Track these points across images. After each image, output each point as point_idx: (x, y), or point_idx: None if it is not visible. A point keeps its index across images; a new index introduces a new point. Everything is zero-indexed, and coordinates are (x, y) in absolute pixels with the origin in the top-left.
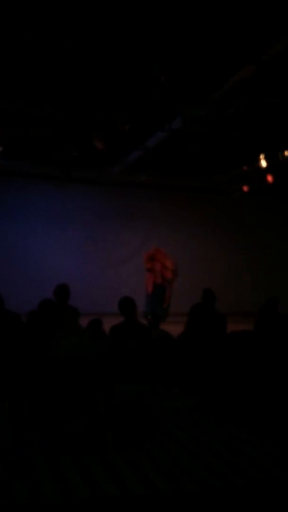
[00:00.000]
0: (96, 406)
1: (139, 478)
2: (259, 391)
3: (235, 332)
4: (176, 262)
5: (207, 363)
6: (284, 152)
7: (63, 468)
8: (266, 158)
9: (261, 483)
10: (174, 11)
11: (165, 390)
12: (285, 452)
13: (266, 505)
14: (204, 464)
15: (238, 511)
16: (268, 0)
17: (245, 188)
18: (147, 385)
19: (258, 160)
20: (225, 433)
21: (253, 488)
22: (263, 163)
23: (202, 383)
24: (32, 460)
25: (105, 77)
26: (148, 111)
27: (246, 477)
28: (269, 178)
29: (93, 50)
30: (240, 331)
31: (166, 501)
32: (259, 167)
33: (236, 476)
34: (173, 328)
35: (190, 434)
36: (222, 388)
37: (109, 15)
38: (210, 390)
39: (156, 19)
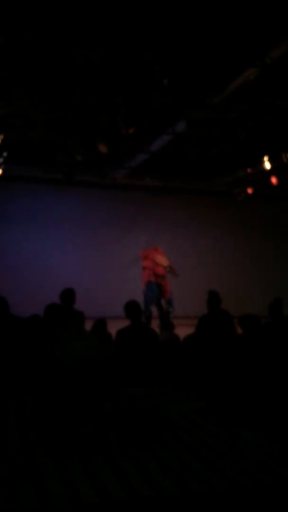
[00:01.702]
0: (102, 409)
1: (146, 481)
2: (265, 393)
3: (241, 334)
4: (169, 260)
5: (214, 366)
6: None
7: (69, 471)
8: (270, 160)
9: (268, 485)
10: (177, 15)
11: (172, 393)
12: None
13: (273, 507)
14: (210, 467)
15: None
16: (271, 3)
17: (250, 190)
18: (154, 388)
19: (262, 162)
20: (232, 436)
21: (259, 490)
22: (267, 165)
23: (208, 386)
24: (38, 463)
25: (107, 80)
26: (151, 114)
27: (253, 479)
28: (273, 180)
29: (96, 53)
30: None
31: (172, 504)
32: (263, 169)
33: (243, 478)
34: (181, 331)
35: (196, 437)
36: (228, 391)
37: (113, 18)
38: (217, 393)
39: (159, 22)
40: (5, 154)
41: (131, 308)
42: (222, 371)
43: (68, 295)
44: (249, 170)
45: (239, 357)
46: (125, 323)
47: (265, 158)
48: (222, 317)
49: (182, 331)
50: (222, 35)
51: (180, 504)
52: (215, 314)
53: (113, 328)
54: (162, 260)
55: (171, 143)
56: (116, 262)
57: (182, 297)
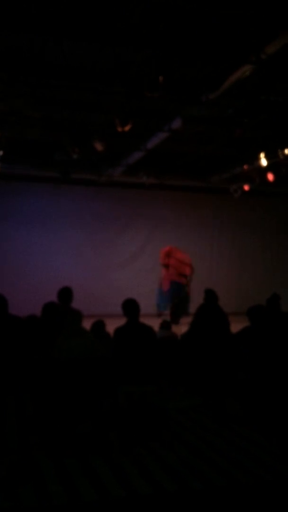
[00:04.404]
0: (101, 408)
1: (145, 478)
2: (264, 390)
3: (239, 331)
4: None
5: (211, 363)
6: (284, 150)
7: (69, 470)
8: (266, 157)
9: (267, 482)
10: (173, 11)
11: (170, 390)
12: None
13: (273, 504)
14: (210, 463)
15: (245, 510)
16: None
17: (246, 187)
18: (152, 385)
19: (259, 159)
20: (231, 432)
21: (259, 487)
22: (264, 162)
23: (206, 382)
24: (37, 462)
25: (103, 77)
26: (147, 111)
27: (252, 476)
28: (270, 177)
29: (92, 50)
30: (242, 329)
31: (172, 501)
32: (260, 165)
33: (242, 475)
34: (179, 328)
35: (195, 434)
36: (226, 387)
37: (109, 15)
38: (215, 390)
39: (154, 19)
40: (1, 152)
41: (129, 306)
42: (220, 367)
43: (66, 293)
44: (245, 166)
45: (244, 351)
46: (123, 321)
47: (262, 155)
48: (217, 314)
49: (180, 328)
50: (217, 32)
51: (180, 501)
52: (211, 311)
53: (111, 326)
54: (186, 258)
55: (167, 140)
56: (114, 260)
57: None
